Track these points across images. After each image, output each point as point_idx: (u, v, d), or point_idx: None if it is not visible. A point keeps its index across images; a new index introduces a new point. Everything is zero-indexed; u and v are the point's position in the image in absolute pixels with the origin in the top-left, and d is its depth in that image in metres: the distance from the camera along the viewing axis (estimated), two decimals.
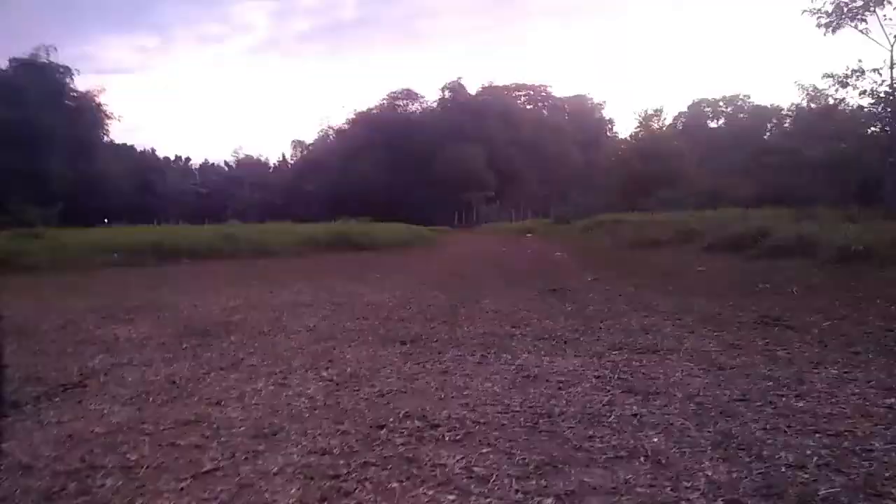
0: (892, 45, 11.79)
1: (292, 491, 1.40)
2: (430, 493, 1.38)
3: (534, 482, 1.42)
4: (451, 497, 1.36)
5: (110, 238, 9.74)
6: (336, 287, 5.30)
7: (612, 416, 1.83)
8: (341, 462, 1.55)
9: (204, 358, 2.75)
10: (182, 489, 1.43)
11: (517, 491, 1.38)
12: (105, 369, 2.58)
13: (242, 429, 1.82)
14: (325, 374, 2.42)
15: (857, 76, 12.59)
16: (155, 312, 4.07)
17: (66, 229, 11.67)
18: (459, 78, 51.36)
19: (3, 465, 1.58)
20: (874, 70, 12.12)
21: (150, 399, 2.15)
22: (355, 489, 1.41)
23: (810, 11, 12.25)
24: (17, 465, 1.59)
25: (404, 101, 50.91)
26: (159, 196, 48.81)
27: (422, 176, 41.94)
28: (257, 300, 4.57)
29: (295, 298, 4.63)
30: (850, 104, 15.17)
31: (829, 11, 12.19)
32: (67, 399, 2.19)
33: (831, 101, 15.45)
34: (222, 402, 2.08)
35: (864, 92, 12.57)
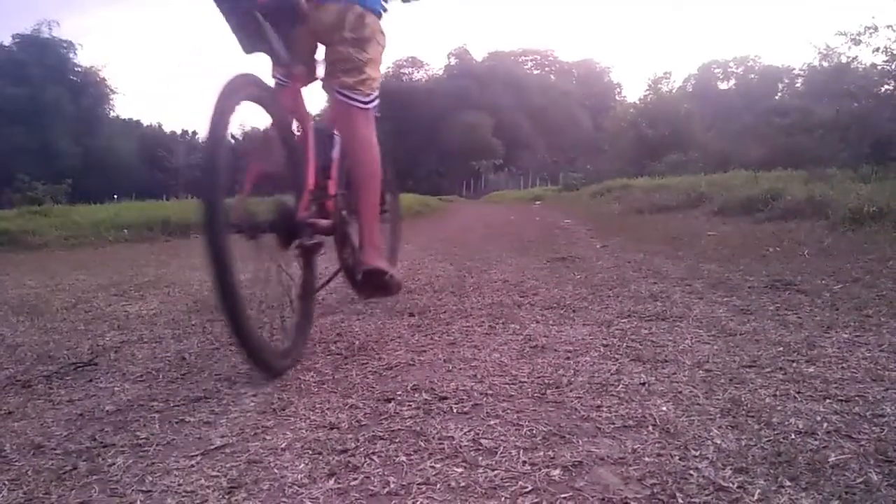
0: None
1: (301, 466, 1.41)
2: (438, 465, 1.38)
3: (541, 453, 1.42)
4: (459, 470, 1.36)
5: (119, 214, 9.76)
6: None
7: (620, 385, 1.83)
8: (349, 436, 1.55)
9: (213, 333, 2.76)
10: (191, 466, 1.44)
11: (524, 462, 1.38)
12: (115, 347, 2.60)
13: (251, 404, 1.82)
14: (333, 347, 2.42)
15: (871, 33, 12.34)
16: (165, 288, 4.09)
17: (75, 206, 11.70)
18: (465, 44, 50.78)
19: (15, 445, 1.60)
20: (888, 27, 11.86)
21: (160, 376, 2.16)
22: (363, 463, 1.41)
23: None
24: (28, 444, 1.60)
25: (409, 69, 50.47)
26: (167, 171, 48.96)
27: (429, 145, 41.71)
28: (265, 274, 4.57)
29: None
30: (864, 62, 14.91)
31: None
32: (78, 377, 2.20)
33: (844, 60, 15.21)
34: (231, 378, 2.09)
35: (877, 49, 12.33)
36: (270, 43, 2.21)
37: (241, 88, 1.94)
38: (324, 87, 2.62)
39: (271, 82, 2.41)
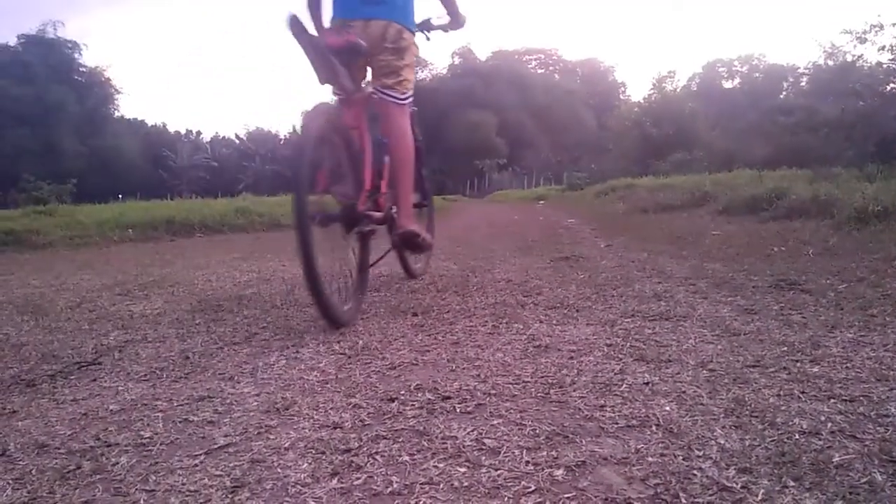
0: None
1: (304, 466, 1.41)
2: (441, 465, 1.38)
3: (544, 453, 1.42)
4: (462, 469, 1.36)
5: (124, 214, 9.78)
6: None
7: (624, 385, 1.83)
8: (353, 436, 1.55)
9: (217, 333, 2.77)
10: (195, 465, 1.44)
11: (528, 462, 1.38)
12: (120, 346, 2.61)
13: (255, 404, 1.83)
14: (336, 347, 2.42)
15: (877, 31, 12.30)
16: (169, 288, 4.10)
17: (80, 206, 11.74)
18: (469, 43, 50.77)
19: (19, 445, 1.61)
20: (894, 25, 11.83)
21: (164, 375, 2.17)
22: (366, 463, 1.41)
23: None
24: (33, 443, 1.61)
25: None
26: (172, 171, 49.07)
27: (432, 143, 41.74)
28: (270, 274, 4.59)
29: None
30: (869, 61, 14.86)
31: None
32: (82, 377, 2.21)
33: (849, 58, 15.16)
34: (235, 378, 2.09)
35: (883, 47, 12.29)
36: (338, 76, 2.76)
37: (320, 113, 2.58)
38: (371, 92, 3.12)
39: (336, 104, 2.95)
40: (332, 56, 2.71)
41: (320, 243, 2.49)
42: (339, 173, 2.90)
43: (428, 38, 3.57)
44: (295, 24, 2.58)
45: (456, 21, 3.49)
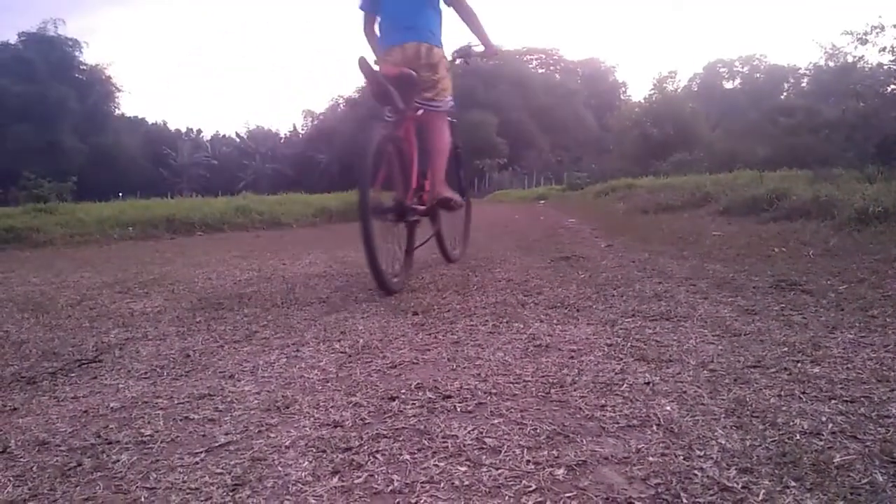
0: None
1: (305, 464, 1.41)
2: (442, 464, 1.38)
3: (545, 452, 1.42)
4: (463, 468, 1.36)
5: (124, 212, 9.78)
6: (348, 257, 5.30)
7: (625, 385, 1.83)
8: (353, 434, 1.55)
9: (218, 331, 2.77)
10: (196, 463, 1.44)
11: (528, 461, 1.38)
12: (120, 344, 2.61)
13: (255, 402, 1.83)
14: (337, 345, 2.42)
15: (877, 32, 12.30)
16: (169, 286, 4.10)
17: (80, 204, 11.73)
18: (469, 43, 50.75)
19: (20, 442, 1.61)
20: (895, 26, 11.82)
21: (165, 373, 2.17)
22: (367, 461, 1.41)
23: None
24: (33, 441, 1.61)
25: None
26: (172, 169, 49.06)
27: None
28: (270, 272, 4.59)
29: (307, 270, 4.64)
30: (870, 62, 14.86)
31: None
32: (83, 374, 2.21)
33: (850, 59, 15.17)
34: (235, 376, 2.09)
35: (883, 49, 12.29)
36: (392, 99, 3.43)
37: (379, 127, 3.26)
38: (423, 105, 3.86)
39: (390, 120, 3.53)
40: (388, 83, 3.40)
41: (378, 230, 3.23)
42: (392, 175, 3.56)
43: (467, 63, 4.35)
44: (364, 64, 3.36)
45: (490, 49, 4.17)
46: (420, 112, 3.87)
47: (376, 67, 3.62)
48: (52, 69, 40.95)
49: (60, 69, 41.99)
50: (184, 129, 59.89)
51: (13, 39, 43.26)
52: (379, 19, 3.90)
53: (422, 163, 3.87)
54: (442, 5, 3.91)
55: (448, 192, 4.01)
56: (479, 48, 4.20)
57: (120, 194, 22.89)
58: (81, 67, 45.52)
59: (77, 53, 45.31)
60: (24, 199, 14.90)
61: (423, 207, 3.90)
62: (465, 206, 4.74)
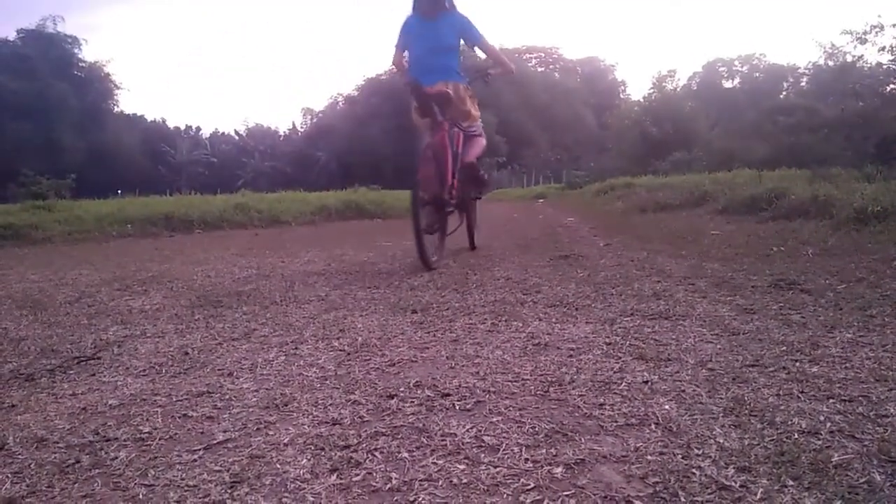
0: None
1: (303, 462, 1.41)
2: (440, 462, 1.38)
3: (543, 450, 1.42)
4: (461, 466, 1.36)
5: (123, 209, 9.77)
6: (347, 255, 5.30)
7: (623, 384, 1.83)
8: (352, 432, 1.55)
9: (216, 328, 2.77)
10: (194, 461, 1.44)
11: (527, 460, 1.38)
12: (119, 341, 2.61)
13: (254, 400, 1.83)
14: (336, 343, 2.42)
15: (877, 32, 12.30)
16: (168, 283, 4.10)
17: (79, 201, 11.72)
18: (487, 66, 50.77)
19: (18, 439, 1.61)
20: (894, 25, 11.82)
21: (163, 371, 2.17)
22: (366, 459, 1.41)
23: None
24: (31, 438, 1.61)
25: None
26: (171, 166, 49.01)
27: None
28: (269, 270, 4.59)
29: (306, 268, 4.64)
30: (869, 61, 14.87)
31: None
32: (81, 371, 2.21)
33: (849, 59, 15.17)
34: (234, 373, 2.09)
35: (883, 48, 12.29)
36: (434, 113, 4.37)
37: (424, 140, 4.30)
38: (454, 125, 4.69)
39: (430, 132, 4.51)
40: (431, 100, 4.36)
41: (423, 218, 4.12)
42: (433, 175, 4.35)
43: (486, 83, 5.04)
44: (415, 85, 4.36)
45: (507, 69, 4.96)
46: (456, 129, 4.71)
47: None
48: (51, 66, 40.89)
49: (59, 66, 41.93)
50: (183, 127, 59.80)
51: (12, 36, 43.23)
52: (406, 55, 4.84)
53: (454, 165, 4.61)
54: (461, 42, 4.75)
55: (475, 162, 4.97)
56: (497, 69, 4.98)
57: (119, 192, 22.86)
58: (80, 65, 45.44)
59: (76, 51, 45.26)
60: (22, 196, 14.86)
61: (454, 201, 4.66)
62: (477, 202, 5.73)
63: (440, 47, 4.57)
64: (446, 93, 4.40)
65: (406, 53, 4.80)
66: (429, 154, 4.28)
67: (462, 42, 4.70)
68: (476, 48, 4.80)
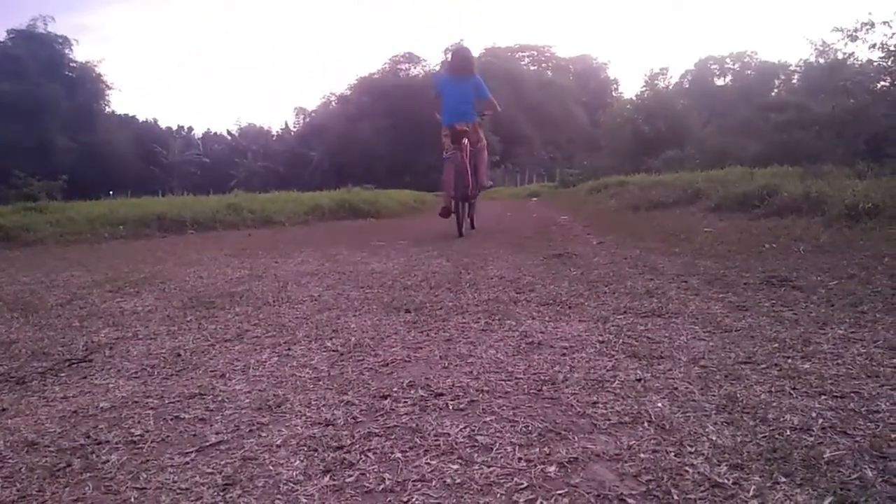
0: None
1: (296, 463, 1.41)
2: (434, 462, 1.38)
3: (537, 449, 1.42)
4: (455, 466, 1.36)
5: (115, 210, 9.72)
6: (340, 255, 5.30)
7: (616, 382, 1.83)
8: (345, 433, 1.55)
9: (209, 330, 2.76)
10: (186, 463, 1.44)
11: (520, 459, 1.38)
12: (110, 343, 2.59)
13: (246, 401, 1.82)
14: (329, 344, 2.42)
15: (867, 29, 12.34)
16: (160, 285, 4.08)
17: (71, 202, 11.65)
18: (461, 40, 50.50)
19: (8, 443, 1.59)
20: (884, 23, 11.86)
21: (155, 373, 2.16)
22: (359, 460, 1.41)
23: None
24: (22, 441, 1.60)
25: (406, 65, 50.22)
26: (163, 167, 48.81)
27: (426, 140, 41.66)
28: (262, 270, 4.58)
29: (299, 268, 4.63)
30: (860, 58, 14.93)
31: None
32: (73, 374, 2.20)
33: (840, 56, 15.22)
34: (226, 375, 2.09)
35: (873, 45, 12.32)
36: (461, 140, 6.64)
37: (456, 157, 6.61)
38: (470, 147, 6.88)
39: (456, 152, 6.73)
40: (458, 134, 6.64)
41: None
42: (457, 179, 6.66)
43: (482, 120, 7.48)
44: (450, 126, 6.65)
45: (496, 110, 7.32)
46: (472, 150, 7.00)
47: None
48: (41, 67, 40.64)
49: (50, 67, 41.68)
50: (175, 127, 59.57)
51: (2, 37, 42.97)
52: (443, 99, 6.99)
53: (472, 174, 7.00)
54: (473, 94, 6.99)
55: (487, 182, 7.61)
56: (490, 111, 7.43)
57: (111, 192, 22.78)
58: (71, 65, 45.18)
59: (67, 51, 44.98)
60: (13, 197, 14.81)
61: (471, 196, 7.15)
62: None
63: (465, 100, 6.86)
64: (467, 130, 6.83)
65: (441, 98, 7.03)
66: (454, 167, 6.71)
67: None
68: (481, 98, 7.01)
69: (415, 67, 49.97)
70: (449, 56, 8.19)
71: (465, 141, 6.77)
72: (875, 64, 12.89)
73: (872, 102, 11.79)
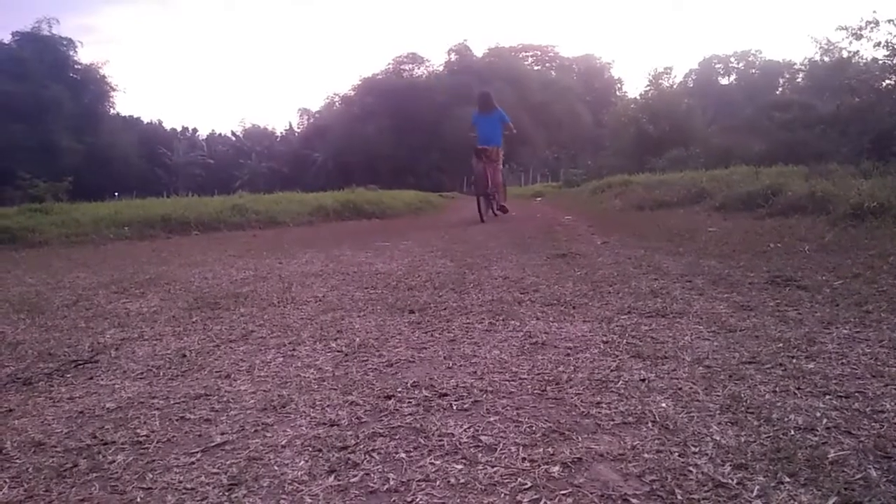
0: None
1: (301, 463, 1.41)
2: (438, 462, 1.39)
3: (540, 450, 1.42)
4: (459, 466, 1.36)
5: (120, 211, 9.74)
6: (345, 256, 5.30)
7: (620, 382, 1.83)
8: (349, 433, 1.56)
9: (214, 331, 2.77)
10: (192, 463, 1.44)
11: (524, 459, 1.38)
12: (116, 344, 2.60)
13: (252, 401, 1.83)
14: (333, 344, 2.43)
15: (872, 27, 12.30)
16: (165, 286, 4.10)
17: (76, 204, 11.68)
18: (465, 40, 50.50)
19: (16, 443, 1.60)
20: (889, 21, 11.82)
21: (161, 373, 2.17)
22: (363, 460, 1.41)
23: None
24: (29, 442, 1.61)
25: (410, 66, 50.24)
26: (167, 168, 48.95)
27: (429, 141, 41.64)
28: (266, 271, 4.59)
29: (304, 269, 4.64)
30: (865, 57, 14.88)
31: None
32: (79, 375, 2.21)
33: (845, 55, 15.18)
34: (231, 375, 2.09)
35: (878, 44, 12.29)
36: (482, 158, 9.50)
37: (481, 166, 9.50)
38: (491, 162, 9.72)
39: (481, 163, 9.63)
40: (483, 153, 9.48)
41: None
42: (481, 183, 9.58)
43: (504, 135, 9.86)
44: (479, 147, 9.51)
45: (511, 130, 9.78)
46: (492, 169, 9.58)
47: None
48: (46, 68, 40.79)
49: (55, 69, 41.83)
50: (179, 129, 59.75)
51: (7, 39, 43.14)
52: (477, 129, 9.78)
53: (491, 179, 9.59)
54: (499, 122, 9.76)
55: (503, 200, 10.16)
56: (508, 132, 9.83)
57: (116, 194, 22.83)
58: (76, 67, 45.34)
59: (71, 53, 45.13)
60: (19, 199, 14.86)
61: (491, 194, 9.61)
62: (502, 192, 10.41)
63: (493, 129, 9.65)
64: (490, 151, 9.55)
65: (475, 128, 9.86)
66: (480, 174, 9.51)
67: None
68: (504, 122, 9.74)
69: (418, 68, 50.01)
70: (476, 97, 10.44)
71: (484, 157, 9.51)
72: (880, 62, 12.86)
73: (877, 101, 11.76)
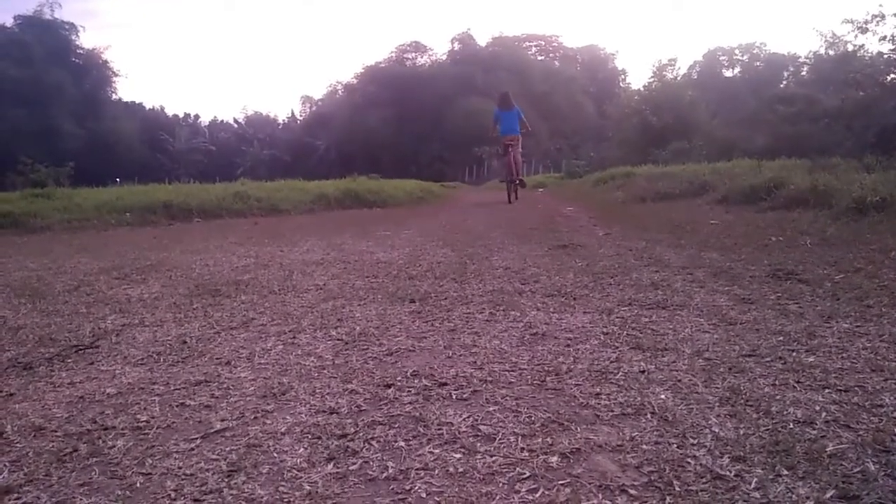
0: None
1: (300, 451, 1.42)
2: (437, 451, 1.39)
3: (539, 440, 1.42)
4: (458, 455, 1.37)
5: (122, 197, 9.75)
6: (346, 245, 5.30)
7: (620, 373, 1.83)
8: (349, 421, 1.56)
9: (214, 317, 2.77)
10: (191, 449, 1.45)
11: (523, 449, 1.38)
12: (117, 330, 2.61)
13: (251, 388, 1.83)
14: (333, 333, 2.43)
15: (878, 21, 12.23)
16: (167, 272, 4.10)
17: (78, 189, 11.68)
18: (468, 29, 50.23)
19: (16, 427, 1.61)
20: (895, 15, 11.75)
21: (161, 359, 2.17)
22: (362, 448, 1.42)
23: None
24: (29, 426, 1.61)
25: (413, 54, 50.01)
26: (169, 154, 48.88)
27: (432, 131, 41.54)
28: (268, 259, 4.59)
29: (305, 257, 4.64)
30: (870, 51, 14.80)
31: None
32: (80, 360, 2.22)
33: (850, 48, 15.10)
34: (232, 362, 2.10)
35: (884, 38, 12.22)
36: (508, 147, 11.38)
37: (509, 154, 11.34)
38: (512, 150, 11.49)
39: (506, 150, 11.56)
40: (509, 143, 11.33)
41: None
42: (510, 169, 11.35)
43: (523, 135, 11.70)
44: (503, 139, 11.49)
45: (527, 128, 11.75)
46: (515, 153, 11.25)
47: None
48: (48, 53, 40.66)
49: (57, 53, 41.70)
50: (181, 115, 59.57)
51: (9, 23, 43.00)
52: (500, 123, 11.54)
53: (515, 164, 11.23)
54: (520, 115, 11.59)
55: (522, 178, 12.19)
56: (524, 129, 11.47)
57: (118, 180, 22.79)
58: (78, 51, 45.21)
59: (73, 37, 44.99)
60: (21, 183, 14.84)
61: (517, 181, 11.40)
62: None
63: (514, 122, 11.28)
64: (512, 142, 11.18)
65: (497, 125, 11.55)
66: (509, 164, 11.12)
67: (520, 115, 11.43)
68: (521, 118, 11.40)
69: (421, 56, 49.84)
70: (497, 97, 12.36)
71: (510, 147, 11.25)
72: (885, 56, 12.79)
73: (882, 95, 11.69)
